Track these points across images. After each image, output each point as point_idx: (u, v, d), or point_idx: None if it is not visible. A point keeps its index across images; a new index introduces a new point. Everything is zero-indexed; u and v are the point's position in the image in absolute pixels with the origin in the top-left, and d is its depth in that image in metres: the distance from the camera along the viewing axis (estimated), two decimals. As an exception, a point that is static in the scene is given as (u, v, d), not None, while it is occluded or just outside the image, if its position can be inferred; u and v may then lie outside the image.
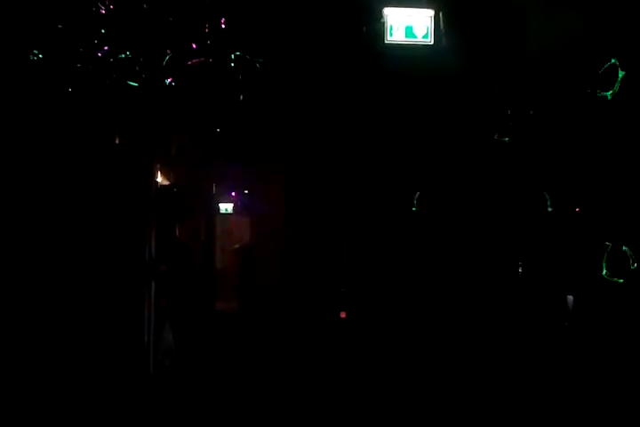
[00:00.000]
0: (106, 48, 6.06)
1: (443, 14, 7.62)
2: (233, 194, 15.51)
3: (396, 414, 6.71)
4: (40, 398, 6.12)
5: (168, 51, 6.33)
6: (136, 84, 6.40)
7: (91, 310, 6.63)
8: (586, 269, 7.25)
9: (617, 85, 6.70)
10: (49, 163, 6.60)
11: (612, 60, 6.65)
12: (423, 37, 7.59)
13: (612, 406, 6.22)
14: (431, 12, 7.60)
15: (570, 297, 7.37)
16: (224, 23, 6.57)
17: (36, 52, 5.80)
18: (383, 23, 7.54)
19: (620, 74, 6.63)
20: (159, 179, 9.08)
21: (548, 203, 7.51)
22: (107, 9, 5.71)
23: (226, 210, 15.68)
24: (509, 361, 7.16)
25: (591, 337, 6.97)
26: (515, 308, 7.41)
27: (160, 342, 8.13)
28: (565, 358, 6.96)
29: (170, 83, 6.65)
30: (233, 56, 6.92)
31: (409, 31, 7.59)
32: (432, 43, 7.60)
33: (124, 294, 6.84)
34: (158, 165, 8.65)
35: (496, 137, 7.57)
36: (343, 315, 8.03)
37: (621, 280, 6.90)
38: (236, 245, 16.29)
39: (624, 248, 6.78)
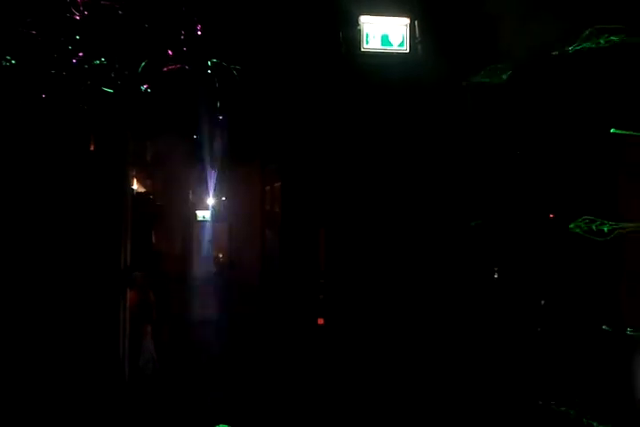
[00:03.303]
0: (81, 54, 6.02)
1: (418, 23, 7.68)
2: (210, 201, 15.47)
3: (373, 417, 6.72)
4: (14, 406, 6.04)
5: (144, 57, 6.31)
6: (111, 91, 6.37)
7: (64, 318, 6.56)
8: (558, 274, 7.33)
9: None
10: (22, 170, 6.54)
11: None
12: (399, 45, 7.65)
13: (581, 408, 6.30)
14: (407, 21, 7.67)
15: (542, 302, 7.44)
16: (200, 30, 6.57)
17: (9, 57, 5.75)
18: (359, 31, 7.58)
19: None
20: (135, 186, 9.04)
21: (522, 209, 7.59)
22: (81, 15, 5.68)
23: (203, 217, 15.62)
24: (485, 364, 7.21)
25: (563, 342, 7.04)
26: (490, 312, 7.46)
27: (140, 351, 8.08)
28: (536, 362, 7.02)
29: (146, 89, 6.63)
30: (210, 63, 6.92)
31: (385, 39, 7.64)
32: (408, 51, 7.66)
33: (98, 302, 6.78)
34: (134, 173, 8.62)
35: (472, 142, 7.66)
36: (321, 321, 8.02)
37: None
38: (214, 253, 16.23)
39: None
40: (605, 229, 6.39)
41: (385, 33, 7.63)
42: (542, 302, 7.40)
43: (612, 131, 6.28)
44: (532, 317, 7.39)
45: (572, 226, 6.43)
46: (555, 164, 7.48)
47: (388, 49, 7.65)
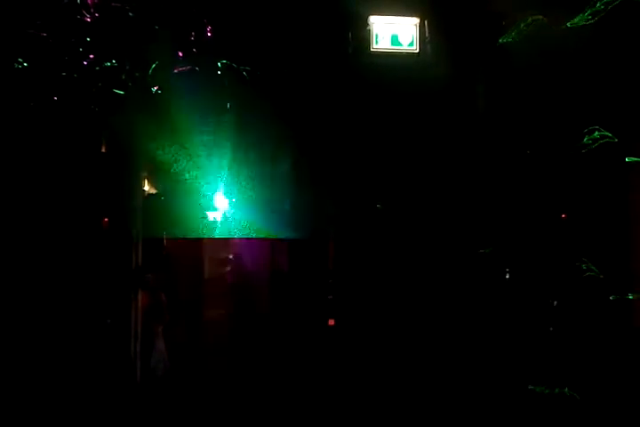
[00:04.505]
0: (91, 56, 6.05)
1: (428, 23, 7.67)
2: (221, 202, 15.48)
3: (384, 418, 6.72)
4: (24, 406, 6.06)
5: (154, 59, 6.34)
6: (122, 93, 6.40)
7: (77, 318, 6.58)
8: (570, 274, 7.30)
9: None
10: (34, 172, 6.58)
11: None
12: (409, 45, 7.65)
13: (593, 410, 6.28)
14: (416, 21, 7.66)
15: (555, 302, 7.41)
16: (210, 31, 6.59)
17: (20, 60, 5.79)
18: (369, 31, 7.59)
19: None
20: (146, 187, 9.06)
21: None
22: (92, 17, 5.70)
23: (214, 218, 15.68)
24: (497, 364, 7.19)
25: (575, 343, 7.01)
26: (501, 312, 7.44)
27: (152, 352, 8.09)
28: (548, 362, 7.00)
29: (156, 91, 6.66)
30: (219, 64, 6.94)
31: (394, 39, 7.64)
32: (417, 51, 7.65)
33: (110, 302, 6.81)
34: (145, 174, 8.65)
35: (481, 143, 7.65)
36: (331, 322, 8.01)
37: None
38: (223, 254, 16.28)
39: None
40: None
41: (394, 33, 7.63)
42: (554, 302, 7.37)
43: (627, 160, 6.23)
44: (543, 317, 7.36)
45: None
46: (565, 162, 7.46)
47: (398, 49, 7.65)
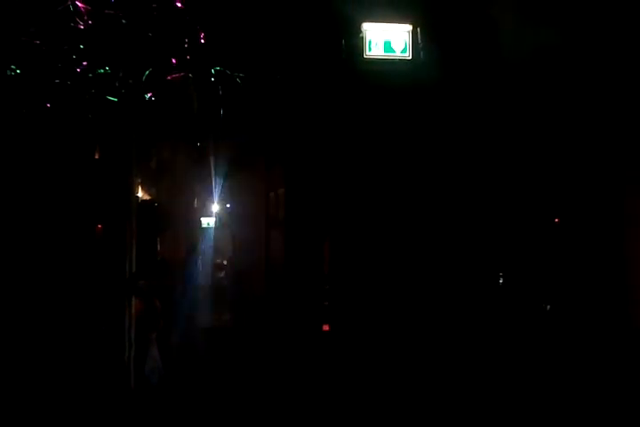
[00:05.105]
0: (85, 63, 6.04)
1: (420, 29, 7.71)
2: (215, 208, 15.50)
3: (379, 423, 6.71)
4: (18, 415, 6.05)
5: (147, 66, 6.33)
6: (116, 99, 6.39)
7: (70, 326, 6.57)
8: (563, 279, 7.33)
9: None
10: (26, 178, 6.57)
11: None
12: (401, 52, 7.68)
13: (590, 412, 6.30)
14: (409, 27, 7.70)
15: (547, 306, 7.44)
16: (203, 38, 6.59)
17: (13, 67, 5.78)
18: (362, 38, 7.62)
19: None
20: (140, 194, 9.06)
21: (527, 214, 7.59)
22: (85, 24, 5.70)
23: (207, 224, 15.69)
24: (491, 369, 7.20)
25: (566, 346, 7.04)
26: (495, 317, 7.46)
27: (146, 360, 8.06)
28: (543, 365, 7.02)
29: (150, 97, 6.65)
30: (213, 71, 6.94)
31: (387, 46, 7.67)
32: (410, 57, 7.69)
33: (104, 310, 6.79)
34: (139, 180, 8.64)
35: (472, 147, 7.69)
36: (326, 328, 8.02)
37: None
38: (218, 260, 16.30)
39: None
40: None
41: (387, 40, 7.66)
42: (548, 307, 7.40)
43: None
44: (537, 322, 7.38)
45: None
46: (559, 166, 7.49)
47: (391, 55, 7.68)
